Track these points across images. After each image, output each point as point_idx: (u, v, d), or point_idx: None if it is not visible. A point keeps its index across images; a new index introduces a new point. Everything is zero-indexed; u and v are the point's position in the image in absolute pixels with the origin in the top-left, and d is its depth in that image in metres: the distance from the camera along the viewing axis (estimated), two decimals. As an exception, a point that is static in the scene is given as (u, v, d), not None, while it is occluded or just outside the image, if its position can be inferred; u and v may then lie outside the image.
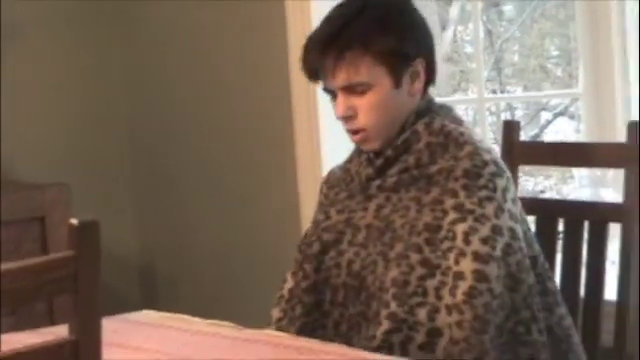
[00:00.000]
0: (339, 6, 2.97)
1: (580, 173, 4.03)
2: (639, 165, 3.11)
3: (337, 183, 3.09)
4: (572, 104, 4.05)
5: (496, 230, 2.79)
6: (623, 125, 3.34)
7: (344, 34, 2.85)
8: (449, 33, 4.53)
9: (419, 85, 2.92)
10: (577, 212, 3.29)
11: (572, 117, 4.08)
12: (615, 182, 3.42)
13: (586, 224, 3.22)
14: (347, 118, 2.88)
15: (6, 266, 1.95)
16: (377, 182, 2.93)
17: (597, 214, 3.24)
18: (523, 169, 3.59)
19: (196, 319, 3.13)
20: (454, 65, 4.57)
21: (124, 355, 2.59)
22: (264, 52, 4.74)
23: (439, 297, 2.75)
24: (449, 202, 2.81)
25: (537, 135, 4.18)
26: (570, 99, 4.07)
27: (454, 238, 2.78)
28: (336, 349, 2.73)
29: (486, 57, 4.23)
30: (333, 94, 2.91)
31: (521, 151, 3.45)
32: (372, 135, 2.90)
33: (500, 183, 2.85)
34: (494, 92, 4.19)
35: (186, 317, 3.16)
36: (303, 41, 3.03)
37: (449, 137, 2.88)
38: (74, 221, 1.98)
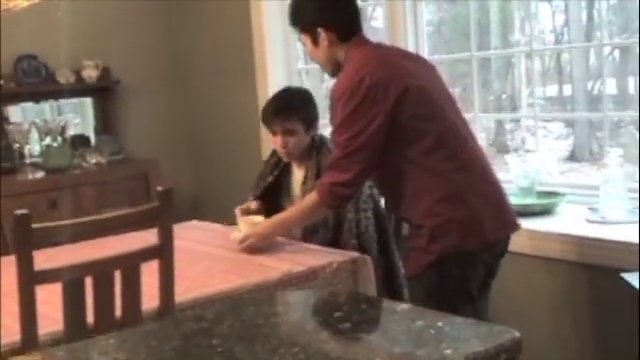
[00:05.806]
0: (275, 96, 2.90)
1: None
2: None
3: (269, 161, 2.98)
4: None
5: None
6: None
7: (284, 109, 2.79)
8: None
9: (312, 132, 2.84)
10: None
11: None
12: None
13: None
14: (284, 146, 2.81)
15: (130, 210, 1.97)
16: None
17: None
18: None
19: (216, 224, 3.04)
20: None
21: (180, 243, 2.30)
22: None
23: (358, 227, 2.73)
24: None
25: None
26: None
27: None
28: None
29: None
30: (275, 134, 2.83)
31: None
32: (293, 154, 2.83)
33: None
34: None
35: (212, 224, 3.06)
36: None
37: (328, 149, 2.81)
38: (159, 188, 1.96)
